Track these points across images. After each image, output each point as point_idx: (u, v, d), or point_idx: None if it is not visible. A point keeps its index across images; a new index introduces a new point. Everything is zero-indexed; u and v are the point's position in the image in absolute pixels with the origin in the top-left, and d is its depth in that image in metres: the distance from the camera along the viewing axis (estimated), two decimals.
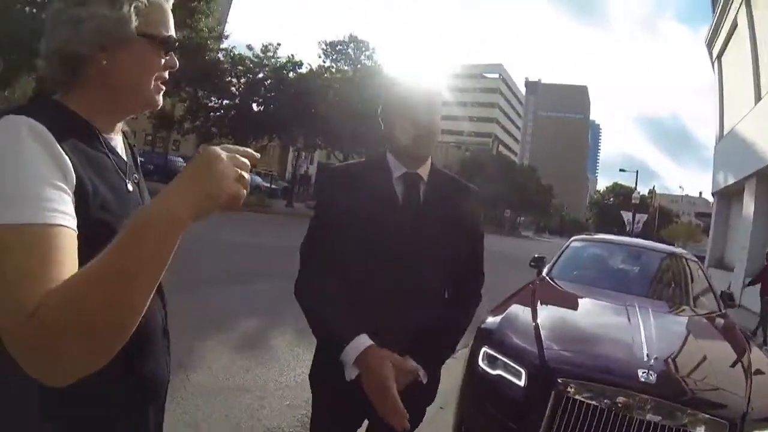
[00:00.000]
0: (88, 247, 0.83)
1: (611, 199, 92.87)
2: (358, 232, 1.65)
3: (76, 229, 0.86)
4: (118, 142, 1.14)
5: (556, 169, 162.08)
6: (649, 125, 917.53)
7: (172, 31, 1.12)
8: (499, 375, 3.02)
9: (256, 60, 32.11)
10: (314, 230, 1.74)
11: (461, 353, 5.97)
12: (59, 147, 0.88)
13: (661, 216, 70.83)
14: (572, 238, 6.30)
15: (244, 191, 0.88)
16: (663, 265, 5.48)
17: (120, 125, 1.16)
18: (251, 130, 31.61)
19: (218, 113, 32.33)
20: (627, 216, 32.45)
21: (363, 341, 1.56)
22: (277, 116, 30.81)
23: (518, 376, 2.92)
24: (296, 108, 29.97)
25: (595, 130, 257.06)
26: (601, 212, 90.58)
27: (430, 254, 1.71)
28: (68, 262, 0.81)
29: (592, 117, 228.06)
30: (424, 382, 1.67)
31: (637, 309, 3.70)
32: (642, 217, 32.60)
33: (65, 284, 0.76)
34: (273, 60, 32.49)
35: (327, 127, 31.25)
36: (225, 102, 32.25)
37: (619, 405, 2.63)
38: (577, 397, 2.68)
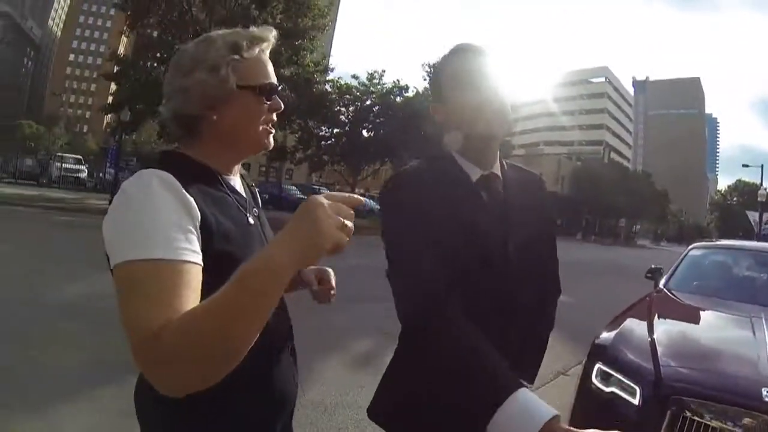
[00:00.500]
0: (215, 274, 0.97)
1: (735, 198, 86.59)
2: (461, 246, 1.35)
3: (201, 263, 1.01)
4: (236, 181, 1.30)
5: (672, 170, 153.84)
6: None
7: (272, 77, 1.26)
8: (613, 393, 2.92)
9: (362, 88, 33.10)
10: (414, 244, 1.32)
11: (573, 371, 5.87)
12: (184, 191, 1.05)
13: None
14: (691, 246, 5.97)
15: (347, 239, 0.91)
16: None
17: (238, 167, 1.32)
18: (362, 156, 32.54)
19: (329, 142, 33.50)
20: (753, 216, 30.05)
21: (547, 411, 1.07)
22: (387, 141, 31.54)
23: (633, 394, 2.81)
24: (405, 131, 30.53)
25: (712, 124, 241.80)
26: (724, 214, 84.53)
27: (532, 259, 1.49)
28: (191, 294, 0.95)
29: (707, 110, 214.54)
30: None
31: (764, 322, 3.48)
32: None
33: (187, 314, 0.88)
34: (379, 86, 33.33)
35: (436, 147, 31.42)
36: (335, 130, 33.42)
37: (741, 427, 2.46)
38: (695, 417, 2.54)
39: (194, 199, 1.06)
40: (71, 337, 5.09)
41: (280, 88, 1.27)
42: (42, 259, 9.01)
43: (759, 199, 32.29)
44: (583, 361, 3.46)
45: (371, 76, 33.73)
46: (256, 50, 1.23)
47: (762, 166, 38.68)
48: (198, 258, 1.01)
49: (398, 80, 33.92)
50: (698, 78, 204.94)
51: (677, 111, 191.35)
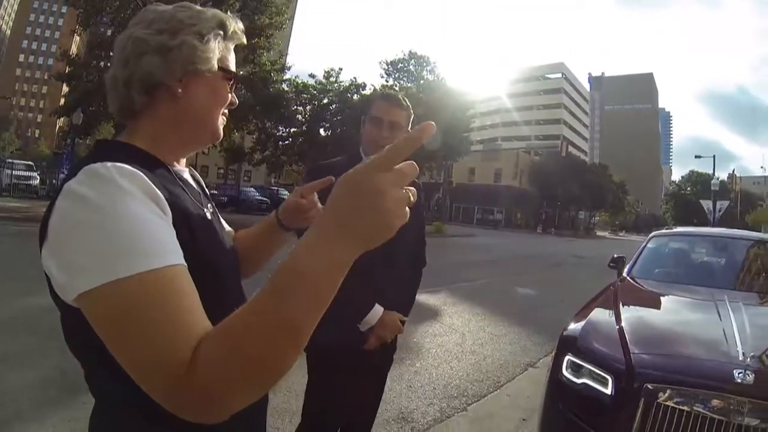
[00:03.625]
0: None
1: (688, 188, 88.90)
2: None
3: (185, 262, 0.85)
4: (186, 174, 1.15)
5: (628, 163, 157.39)
6: (719, 104, 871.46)
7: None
8: (585, 383, 2.87)
9: (319, 86, 32.94)
10: None
11: (541, 362, 5.88)
12: (151, 183, 0.88)
13: (743, 201, 67.39)
14: (651, 234, 6.01)
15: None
16: (752, 254, 5.08)
17: (184, 159, 1.17)
18: (319, 155, 32.33)
19: (287, 142, 33.18)
20: (707, 205, 30.72)
21: (379, 308, 2.30)
22: (344, 139, 31.46)
23: (605, 383, 2.76)
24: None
25: (665, 117, 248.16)
26: (679, 203, 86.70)
27: (404, 237, 2.02)
28: (197, 302, 0.81)
29: (660, 104, 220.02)
30: (402, 331, 2.42)
31: (728, 303, 3.48)
32: (723, 204, 30.66)
33: (224, 334, 0.74)
34: (336, 84, 33.19)
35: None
36: (293, 130, 33.13)
37: (715, 409, 2.42)
38: (668, 403, 2.49)
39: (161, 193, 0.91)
40: (22, 355, 4.82)
41: (235, 87, 1.16)
42: None
43: (712, 188, 33.24)
44: (552, 353, 3.42)
45: (328, 74, 33.69)
46: (234, 39, 1.14)
47: (714, 157, 39.78)
48: (182, 258, 0.86)
49: (355, 78, 33.89)
50: (651, 74, 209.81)
51: (632, 106, 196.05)
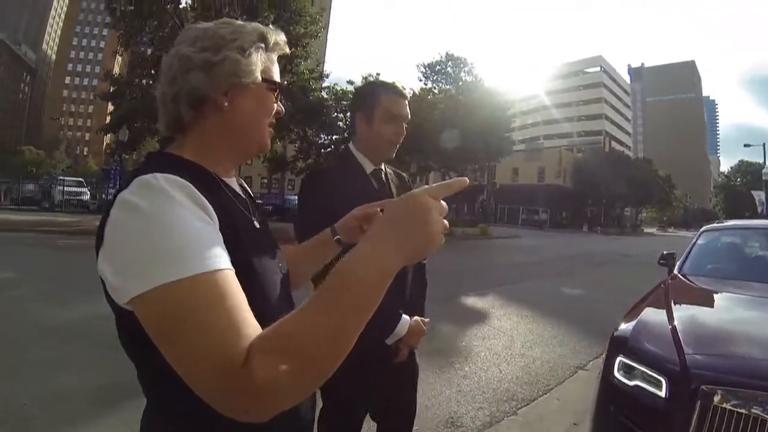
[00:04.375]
0: None
1: (738, 179, 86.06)
2: None
3: (232, 267, 0.88)
4: (235, 184, 1.18)
5: (674, 155, 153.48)
6: (766, 87, 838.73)
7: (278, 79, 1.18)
8: (637, 386, 2.78)
9: None
10: (312, 228, 1.60)
11: (592, 365, 5.78)
12: (198, 193, 0.92)
13: None
14: (702, 229, 5.83)
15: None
16: None
17: (233, 169, 1.20)
18: None
19: (329, 149, 33.37)
20: (759, 196, 29.81)
21: (406, 317, 2.17)
22: None
23: (659, 386, 2.67)
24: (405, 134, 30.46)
25: (710, 106, 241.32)
26: (729, 196, 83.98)
27: None
28: (245, 304, 0.84)
29: (704, 93, 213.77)
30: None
31: None
32: None
33: (278, 335, 0.77)
34: None
35: (438, 148, 31.52)
36: (335, 137, 33.21)
37: None
38: (725, 405, 2.39)
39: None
40: (77, 360, 5.00)
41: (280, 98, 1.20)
42: (46, 282, 9.00)
43: (764, 178, 32.04)
44: (603, 355, 3.35)
45: (366, 80, 33.67)
46: (276, 50, 1.18)
47: (764, 145, 38.21)
48: (230, 263, 0.89)
49: (394, 83, 33.86)
50: (693, 61, 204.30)
51: (675, 96, 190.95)
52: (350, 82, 33.65)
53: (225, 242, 0.91)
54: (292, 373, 0.75)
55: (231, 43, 1.07)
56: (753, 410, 2.34)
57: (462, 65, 39.04)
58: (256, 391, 0.74)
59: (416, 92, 36.06)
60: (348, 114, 24.97)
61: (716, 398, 2.41)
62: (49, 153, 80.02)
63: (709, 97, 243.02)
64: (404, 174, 2.49)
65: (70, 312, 6.81)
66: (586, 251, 26.73)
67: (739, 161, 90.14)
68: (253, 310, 0.84)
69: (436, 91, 38.28)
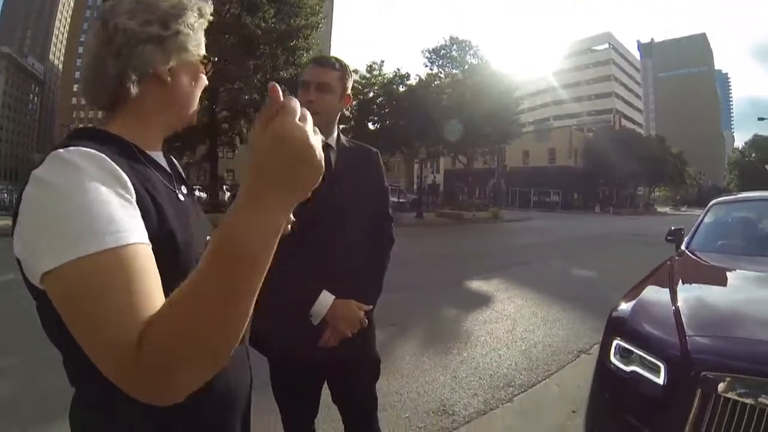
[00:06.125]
0: (156, 258, 0.85)
1: (753, 155, 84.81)
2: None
3: (149, 241, 0.86)
4: (160, 158, 1.16)
5: (687, 132, 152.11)
6: None
7: None
8: (634, 371, 2.51)
9: (363, 81, 32.68)
10: None
11: (594, 349, 5.51)
12: (114, 164, 0.89)
13: None
14: (711, 203, 5.48)
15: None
16: None
17: (160, 143, 1.18)
18: None
19: None
20: None
21: (329, 296, 2.03)
22: (394, 131, 31.23)
23: (656, 371, 2.39)
24: (411, 120, 30.25)
25: (723, 79, 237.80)
26: (743, 172, 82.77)
27: (348, 211, 2.09)
28: (156, 282, 0.81)
29: (717, 66, 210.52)
30: (366, 324, 2.11)
31: None
32: None
33: (167, 310, 0.74)
34: (380, 77, 32.91)
35: (446, 133, 31.44)
36: (341, 127, 33.11)
37: None
38: (729, 395, 2.10)
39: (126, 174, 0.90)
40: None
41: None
42: None
43: None
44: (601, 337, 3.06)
45: (371, 68, 33.43)
46: (206, 21, 1.16)
47: None
48: (146, 237, 0.86)
49: (398, 69, 33.50)
50: (704, 34, 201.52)
51: (686, 70, 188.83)
52: (355, 71, 33.43)
53: (144, 216, 0.90)
54: (182, 348, 0.71)
55: (178, 17, 1.06)
56: (761, 400, 2.04)
57: (467, 48, 38.53)
58: (151, 371, 0.71)
59: (422, 78, 35.67)
60: (353, 102, 25.14)
61: (720, 386, 2.12)
62: None
63: (721, 70, 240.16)
64: (373, 149, 2.39)
65: None
66: (598, 232, 26.42)
67: (754, 135, 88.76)
68: (175, 285, 0.77)
69: (442, 75, 37.86)
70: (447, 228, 26.52)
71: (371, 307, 2.16)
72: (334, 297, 2.04)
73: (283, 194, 0.73)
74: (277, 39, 23.52)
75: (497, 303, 8.12)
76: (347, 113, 32.41)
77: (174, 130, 1.19)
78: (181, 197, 1.13)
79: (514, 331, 6.43)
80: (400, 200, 40.30)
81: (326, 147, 2.09)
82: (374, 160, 2.36)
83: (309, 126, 0.75)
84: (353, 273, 2.14)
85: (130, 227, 0.83)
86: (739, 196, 5.89)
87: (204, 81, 1.17)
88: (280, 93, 0.74)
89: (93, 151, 0.87)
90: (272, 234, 0.74)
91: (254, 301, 0.75)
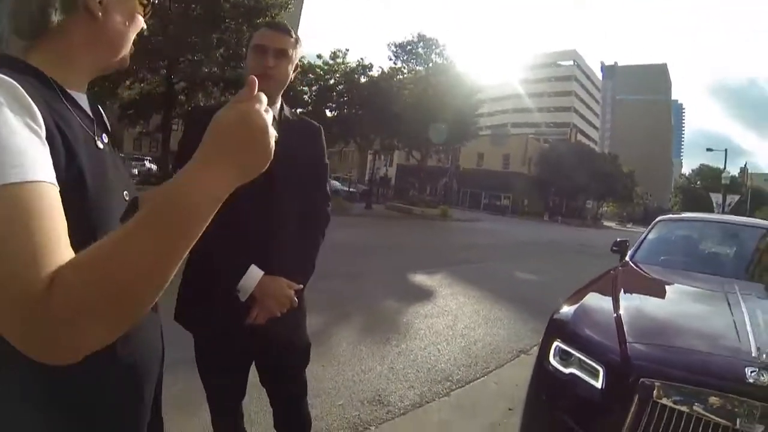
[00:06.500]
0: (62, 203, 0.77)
1: (698, 182, 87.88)
2: None
3: (56, 183, 0.78)
4: (83, 100, 1.06)
5: (639, 154, 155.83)
6: (732, 97, 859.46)
7: None
8: (573, 374, 2.51)
9: (325, 67, 32.36)
10: (178, 166, 1.50)
11: (534, 350, 5.55)
12: (25, 93, 0.80)
13: (754, 197, 66.44)
14: (658, 218, 5.64)
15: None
16: (765, 243, 4.71)
17: (85, 85, 1.08)
18: (326, 136, 31.97)
19: None
20: (716, 198, 30.22)
21: (257, 271, 1.94)
22: (351, 121, 31.01)
23: (595, 375, 2.40)
24: (370, 111, 30.14)
25: (678, 109, 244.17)
26: (687, 197, 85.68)
27: (283, 184, 1.99)
28: (59, 225, 0.74)
29: (674, 96, 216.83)
30: (296, 303, 2.01)
31: (739, 294, 3.13)
32: (733, 199, 30.20)
33: (93, 256, 0.70)
34: (343, 65, 32.63)
35: (403, 127, 31.40)
36: (298, 111, 32.70)
37: (720, 413, 2.04)
38: (665, 402, 2.12)
39: (39, 109, 0.81)
40: None
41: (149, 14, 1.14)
42: None
43: (723, 181, 32.77)
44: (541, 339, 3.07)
45: (335, 55, 33.12)
46: None
47: (726, 151, 39.13)
48: (54, 177, 0.78)
49: (362, 59, 33.30)
50: (665, 64, 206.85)
51: (645, 96, 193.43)
52: (319, 56, 33.13)
53: (53, 155, 0.81)
54: (97, 301, 0.67)
55: None
56: (695, 409, 2.07)
57: (434, 46, 38.62)
58: (58, 321, 0.66)
59: (385, 71, 35.57)
60: (313, 88, 25.01)
61: (657, 393, 2.14)
62: None
63: (677, 100, 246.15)
64: (316, 124, 2.33)
65: None
66: (546, 239, 26.86)
67: (701, 165, 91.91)
68: (84, 235, 0.76)
69: (405, 71, 37.89)
70: (395, 221, 26.51)
71: (302, 286, 2.08)
72: (263, 273, 1.96)
73: (233, 168, 0.79)
74: (245, 14, 22.89)
75: (439, 298, 8.11)
76: (306, 98, 32.18)
77: (101, 73, 1.11)
78: (100, 145, 1.04)
79: (455, 327, 6.43)
80: (351, 190, 40.19)
81: None
82: (316, 134, 2.29)
83: (269, 118, 0.83)
84: (285, 250, 2.06)
85: (38, 163, 0.76)
86: (684, 215, 6.08)
87: (140, 23, 1.09)
88: (256, 86, 0.83)
89: (8, 79, 0.80)
90: (214, 200, 0.77)
91: (175, 267, 0.74)
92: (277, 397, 2.38)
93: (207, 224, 0.77)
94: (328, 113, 33.35)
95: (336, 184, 40.79)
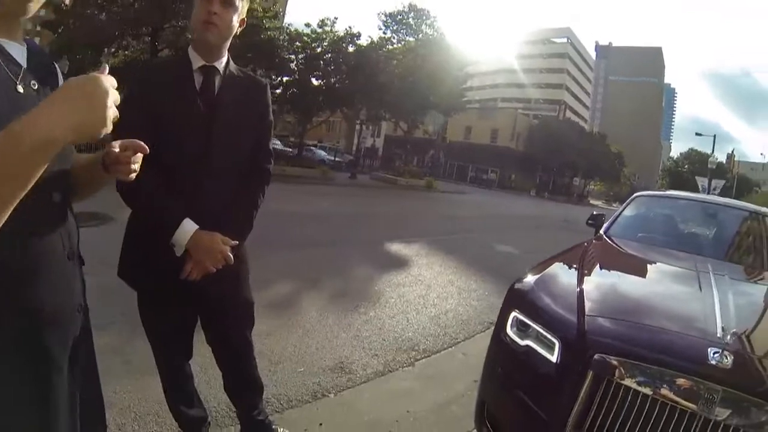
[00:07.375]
0: None
1: (686, 165, 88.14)
2: (164, 123, 1.88)
3: None
4: (14, 48, 1.10)
5: (629, 135, 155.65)
6: (724, 85, 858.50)
7: None
8: (528, 346, 2.38)
9: (313, 35, 31.79)
10: (122, 128, 1.37)
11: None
12: None
13: (740, 185, 66.77)
14: (636, 194, 5.53)
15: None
16: (744, 225, 4.59)
17: (20, 33, 1.13)
18: (312, 104, 31.48)
19: (278, 90, 32.23)
20: (702, 182, 30.21)
21: (191, 225, 1.91)
22: (338, 90, 30.62)
23: (551, 349, 2.27)
24: (357, 81, 29.77)
25: (670, 93, 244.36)
26: (674, 180, 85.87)
27: (223, 140, 2.00)
28: None
29: (666, 80, 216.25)
30: (231, 260, 1.97)
31: (711, 274, 2.99)
32: (719, 183, 30.28)
33: None
34: (331, 34, 32.08)
35: (391, 98, 31.08)
36: (285, 79, 32.06)
37: (679, 395, 1.90)
38: (622, 381, 1.98)
39: None
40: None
41: None
42: None
43: (709, 166, 32.83)
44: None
45: (323, 23, 32.48)
46: None
47: (714, 137, 39.23)
48: None
49: (350, 27, 32.69)
50: (660, 48, 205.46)
51: (638, 78, 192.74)
52: (307, 25, 32.47)
53: None
54: None
55: None
56: (654, 389, 1.94)
57: (425, 17, 38.17)
58: None
59: (374, 41, 35.06)
60: (300, 56, 24.44)
61: (613, 371, 2.01)
62: None
63: (670, 84, 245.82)
64: (263, 80, 2.29)
65: None
66: (530, 214, 26.83)
67: (689, 149, 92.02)
68: None
69: (395, 41, 37.43)
70: (379, 191, 26.38)
71: (237, 243, 2.04)
72: (197, 227, 1.93)
73: (67, 119, 0.87)
74: None
75: (414, 267, 8.02)
76: (293, 66, 31.58)
77: (25, 15, 1.10)
78: (21, 89, 1.07)
79: (427, 297, 6.35)
80: (336, 159, 39.96)
81: (212, 71, 2.03)
82: (261, 90, 2.24)
83: (111, 97, 0.93)
84: (223, 205, 2.04)
85: None
86: (664, 192, 5.96)
87: None
88: (106, 71, 0.96)
89: None
90: (41, 141, 0.84)
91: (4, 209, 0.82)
92: (222, 357, 2.36)
93: (36, 169, 0.85)
94: (315, 82, 32.80)
95: (321, 153, 40.47)
